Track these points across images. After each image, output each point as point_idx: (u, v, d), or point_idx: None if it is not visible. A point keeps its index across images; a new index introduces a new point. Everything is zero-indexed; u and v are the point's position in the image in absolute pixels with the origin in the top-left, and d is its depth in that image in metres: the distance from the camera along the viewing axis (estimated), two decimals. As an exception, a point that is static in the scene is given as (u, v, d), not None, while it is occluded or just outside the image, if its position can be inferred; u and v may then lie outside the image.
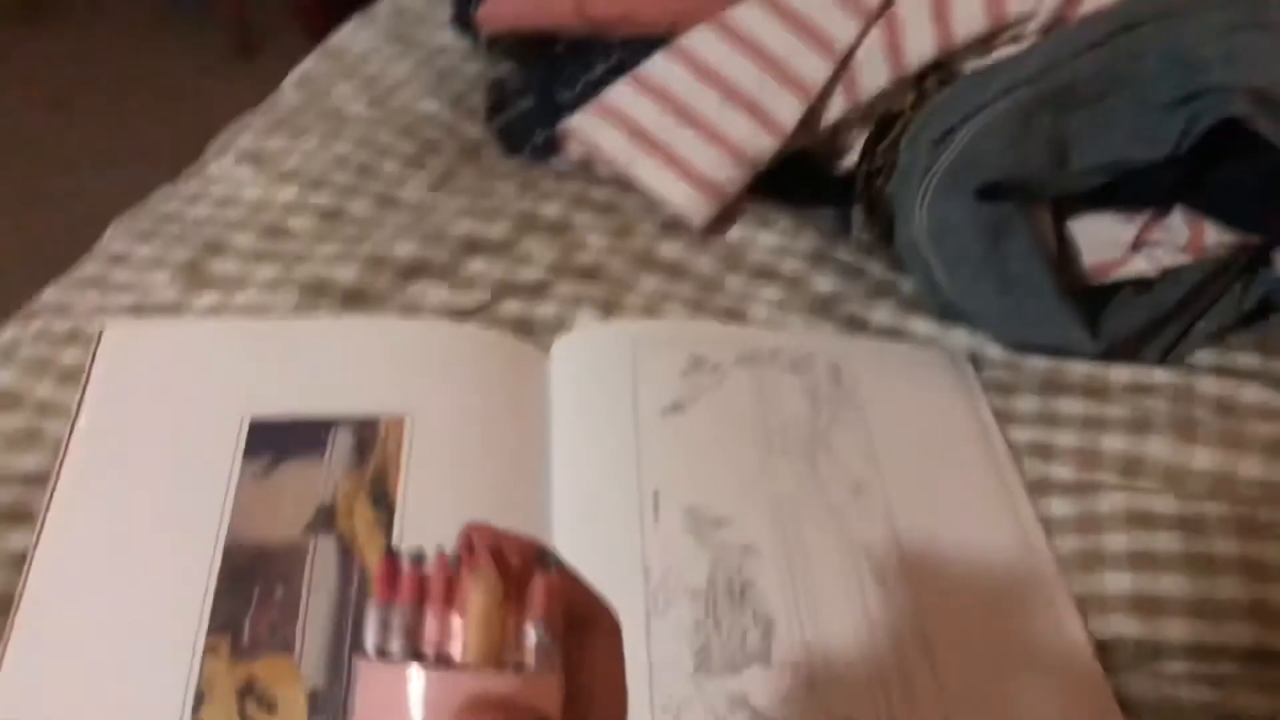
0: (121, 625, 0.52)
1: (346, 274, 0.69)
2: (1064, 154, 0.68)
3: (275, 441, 0.59)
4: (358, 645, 0.26)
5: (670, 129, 0.74)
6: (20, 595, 0.52)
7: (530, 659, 0.26)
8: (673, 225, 0.75)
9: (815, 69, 0.73)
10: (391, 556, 0.26)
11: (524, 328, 0.69)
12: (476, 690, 0.24)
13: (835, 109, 0.74)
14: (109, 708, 0.49)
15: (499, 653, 0.25)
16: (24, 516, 0.57)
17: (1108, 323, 0.68)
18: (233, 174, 0.78)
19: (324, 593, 0.54)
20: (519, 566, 0.26)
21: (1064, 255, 0.70)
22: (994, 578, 0.57)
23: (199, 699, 0.50)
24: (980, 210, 0.65)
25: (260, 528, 0.56)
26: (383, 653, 0.25)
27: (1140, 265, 0.69)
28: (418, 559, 0.26)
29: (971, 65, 0.74)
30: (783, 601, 0.55)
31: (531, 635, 0.25)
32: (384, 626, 0.25)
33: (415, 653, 0.25)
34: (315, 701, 0.50)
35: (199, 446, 0.59)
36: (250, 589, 0.54)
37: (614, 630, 0.30)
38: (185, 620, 0.52)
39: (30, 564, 0.53)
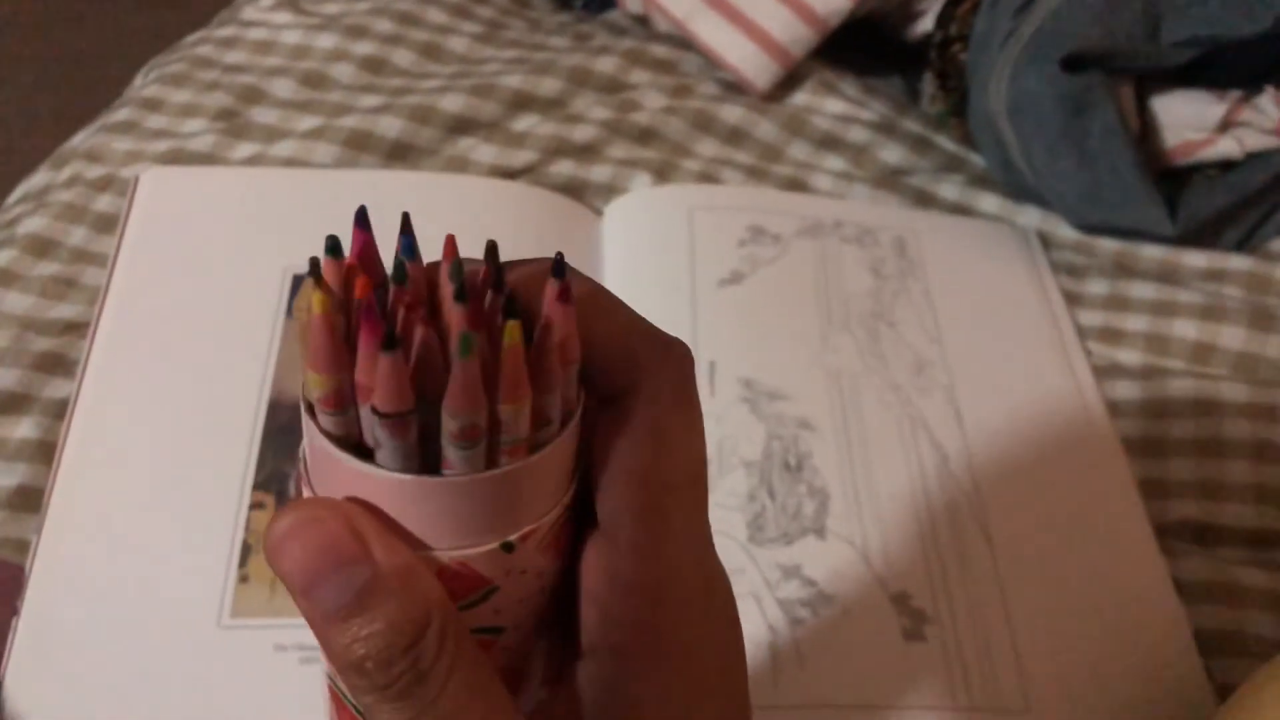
0: (165, 477, 0.51)
1: (390, 127, 0.65)
2: (1155, 26, 0.64)
3: (320, 296, 0.57)
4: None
5: (734, -17, 0.70)
6: (63, 444, 0.51)
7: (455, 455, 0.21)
8: (734, 87, 0.72)
9: (893, -78, 0.68)
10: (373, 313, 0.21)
11: (575, 190, 0.66)
12: (405, 494, 0.21)
13: (912, -33, 0.69)
14: (156, 559, 0.48)
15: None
16: (64, 364, 0.55)
17: (1186, 205, 0.65)
18: (269, 19, 0.74)
19: (371, 451, 0.53)
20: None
21: (1146, 133, 0.67)
22: (1054, 457, 0.56)
23: (245, 552, 0.49)
24: (1063, 82, 0.62)
25: (305, 383, 0.54)
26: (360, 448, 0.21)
27: (1226, 147, 0.66)
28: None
29: (1059, -75, 0.69)
30: (839, 475, 0.53)
31: (448, 424, 0.20)
32: (379, 420, 0.21)
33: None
34: (363, 559, 0.49)
35: (241, 299, 0.57)
36: (296, 445, 0.52)
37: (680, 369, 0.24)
38: (230, 474, 0.51)
39: (72, 413, 0.52)
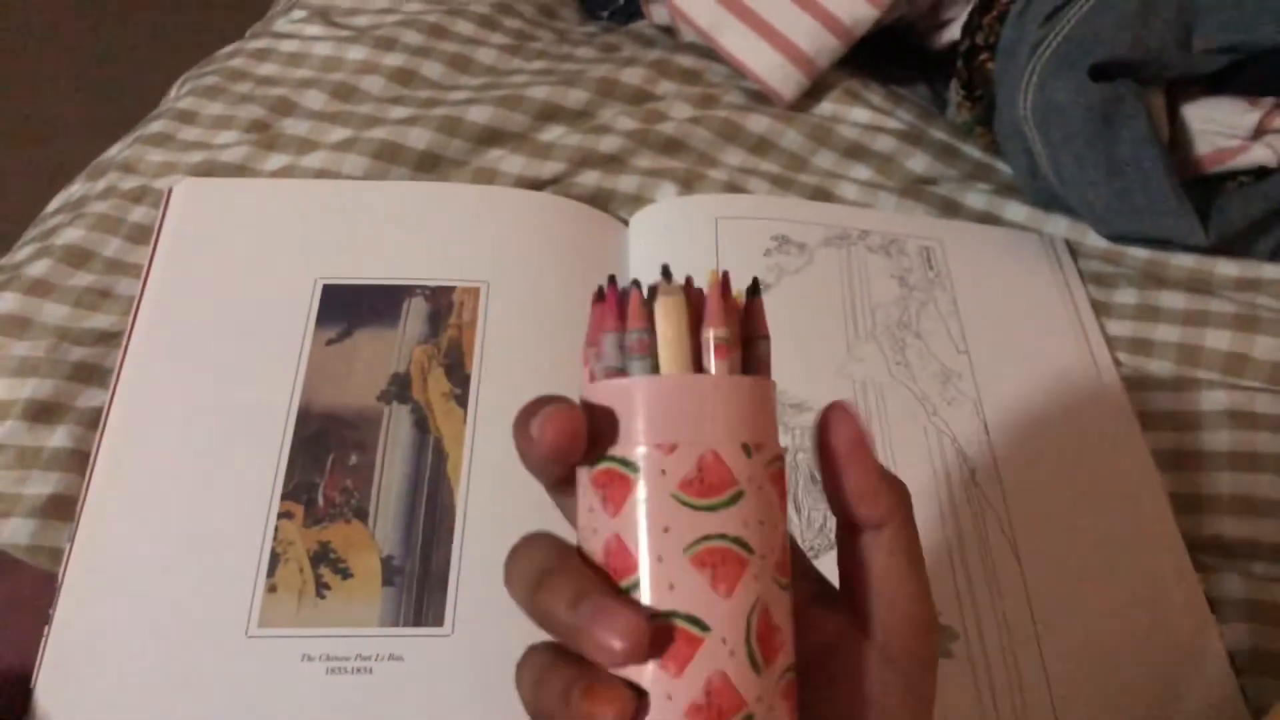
0: (196, 486, 0.51)
1: (420, 138, 0.66)
2: (1186, 33, 0.63)
3: (348, 307, 0.58)
4: (591, 374, 0.29)
5: (761, -7, 0.70)
6: (96, 453, 0.52)
7: (713, 363, 0.28)
8: (760, 97, 0.72)
9: (920, -68, 0.68)
10: (614, 289, 0.29)
11: (601, 200, 0.66)
12: (677, 388, 0.27)
13: (939, -23, 0.69)
14: (185, 568, 0.49)
15: (692, 361, 0.28)
16: (98, 374, 0.56)
17: (1219, 214, 0.64)
18: (300, 31, 0.75)
19: (398, 461, 0.53)
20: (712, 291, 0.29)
21: (1176, 141, 0.66)
22: (1084, 472, 0.55)
23: (274, 562, 0.50)
24: (1092, 90, 0.61)
25: (333, 394, 0.55)
26: (621, 370, 0.28)
27: (1259, 154, 0.65)
28: (624, 293, 0.28)
29: (1088, -68, 0.68)
30: (866, 490, 0.53)
31: (712, 337, 0.28)
32: (619, 350, 0.28)
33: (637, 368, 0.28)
34: (389, 568, 0.50)
35: (271, 309, 0.58)
36: (324, 455, 0.53)
37: None
38: (259, 483, 0.52)
39: (105, 422, 0.53)
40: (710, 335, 0.28)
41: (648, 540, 0.27)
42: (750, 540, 0.27)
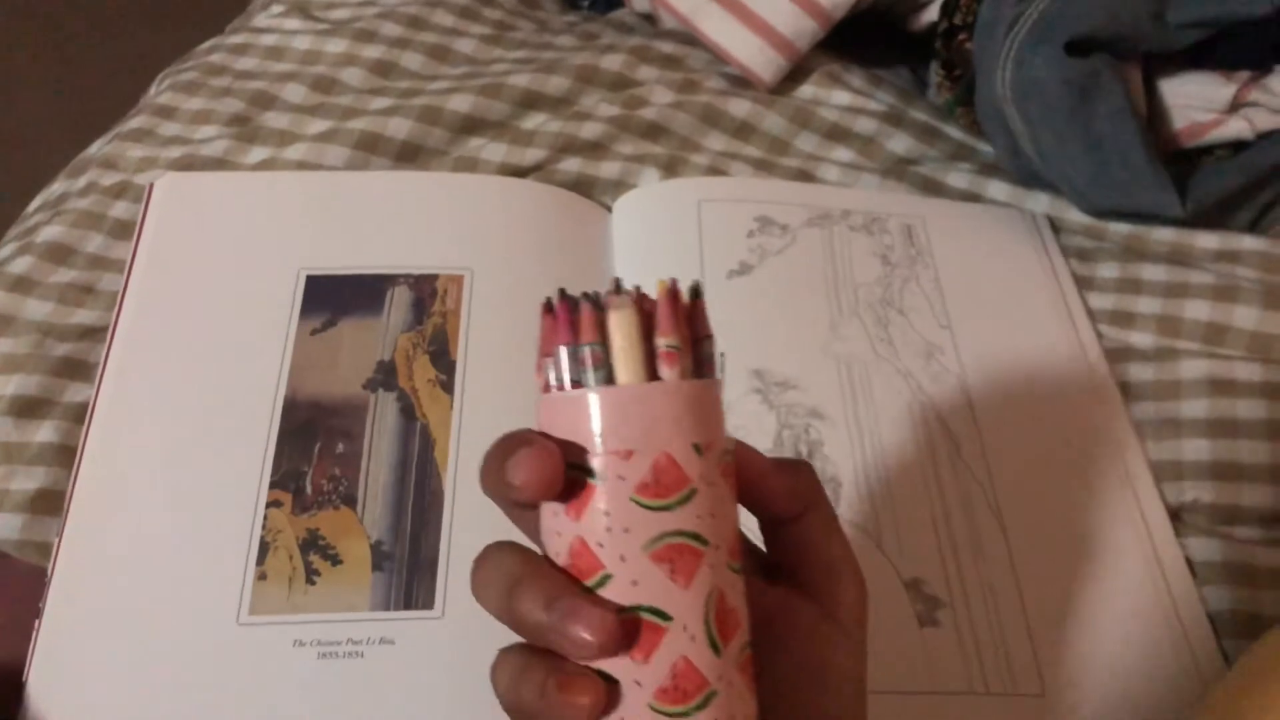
0: (184, 477, 0.52)
1: (400, 128, 0.66)
2: (1161, 7, 0.64)
3: (332, 297, 0.58)
4: (544, 385, 0.30)
5: (738, -22, 0.70)
6: (83, 447, 0.52)
7: (667, 370, 0.29)
8: (740, 81, 0.72)
9: (895, -88, 0.68)
10: (565, 303, 0.30)
11: (584, 187, 0.66)
12: (630, 397, 0.29)
13: (915, -43, 0.69)
14: (175, 559, 0.49)
15: (645, 370, 0.29)
16: (83, 369, 0.56)
17: (1197, 187, 0.64)
18: (279, 25, 0.75)
19: (386, 448, 0.53)
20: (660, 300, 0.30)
21: (1154, 116, 0.66)
22: (1067, 442, 0.55)
23: (263, 550, 0.50)
24: (1069, 66, 0.61)
25: (319, 383, 0.55)
26: (576, 383, 0.29)
27: (1236, 127, 0.66)
28: (575, 306, 0.30)
29: (1062, -90, 0.69)
30: (851, 463, 0.53)
31: (662, 345, 0.29)
32: (574, 362, 0.29)
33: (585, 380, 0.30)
34: (378, 554, 0.50)
35: (255, 301, 0.58)
36: (311, 443, 0.53)
37: None
38: (247, 472, 0.52)
39: (91, 416, 0.53)
40: (661, 344, 0.29)
41: (610, 541, 0.29)
42: (704, 533, 0.29)
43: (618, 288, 0.31)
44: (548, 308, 0.30)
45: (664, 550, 0.29)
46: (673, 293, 0.30)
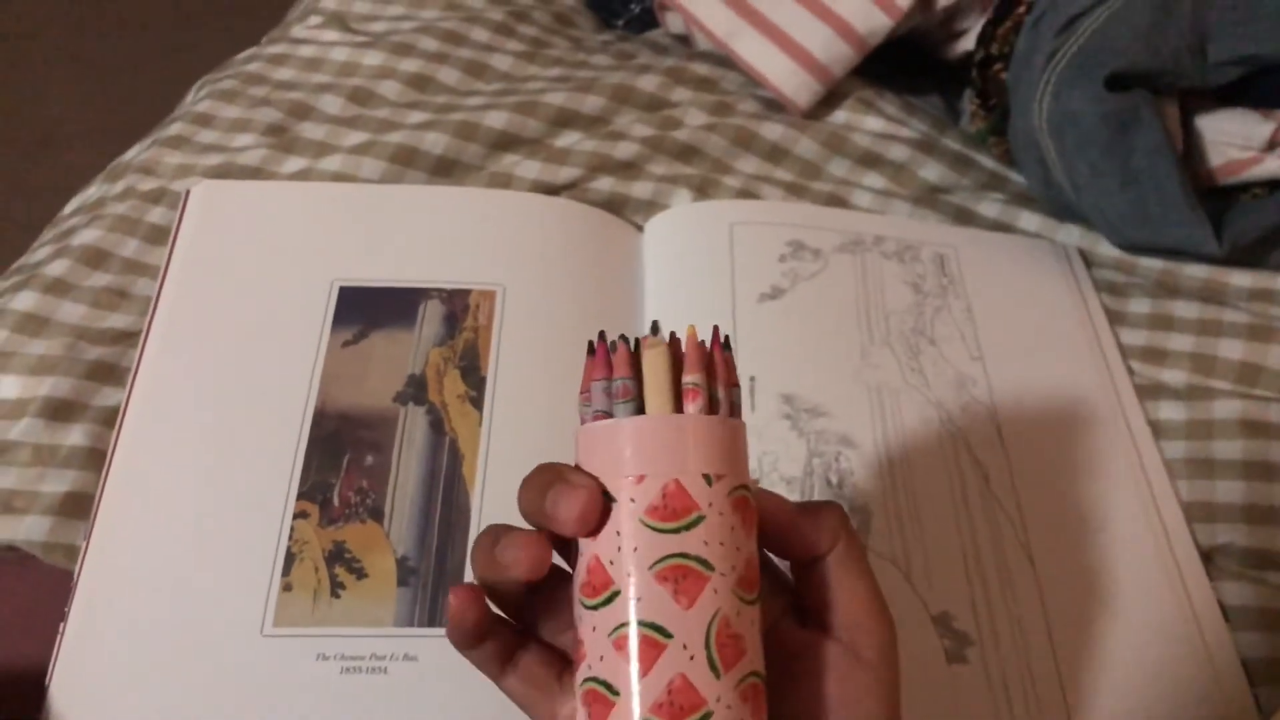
0: (212, 485, 0.52)
1: (436, 143, 0.66)
2: (1201, 44, 0.63)
3: (365, 309, 0.58)
4: (584, 418, 0.33)
5: (777, 3, 0.70)
6: (113, 452, 0.52)
7: (690, 405, 0.32)
8: (774, 105, 0.72)
9: (935, -58, 0.68)
10: (603, 343, 0.33)
11: (616, 206, 0.66)
12: (647, 426, 0.31)
13: (954, -13, 0.69)
14: (201, 567, 0.49)
15: (672, 405, 0.32)
16: (115, 373, 0.56)
17: (1232, 225, 0.64)
18: (317, 36, 0.76)
19: (414, 462, 0.53)
20: (691, 348, 0.33)
21: (1190, 152, 0.66)
22: (1098, 478, 0.55)
23: (289, 561, 0.50)
24: (1107, 100, 0.61)
25: (349, 395, 0.55)
26: (607, 414, 0.32)
27: (1273, 166, 0.65)
28: (613, 346, 0.33)
29: (1103, -56, 0.69)
30: (880, 494, 0.53)
31: (685, 382, 0.32)
32: (606, 395, 0.32)
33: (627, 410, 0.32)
34: (404, 569, 0.50)
35: (288, 310, 0.58)
36: (340, 455, 0.53)
37: None
38: (275, 481, 0.52)
39: (122, 421, 0.53)
40: (685, 381, 0.32)
41: (619, 560, 0.31)
42: (710, 559, 0.31)
43: (655, 330, 0.34)
44: (590, 350, 0.33)
45: (668, 570, 0.30)
46: (714, 338, 0.33)
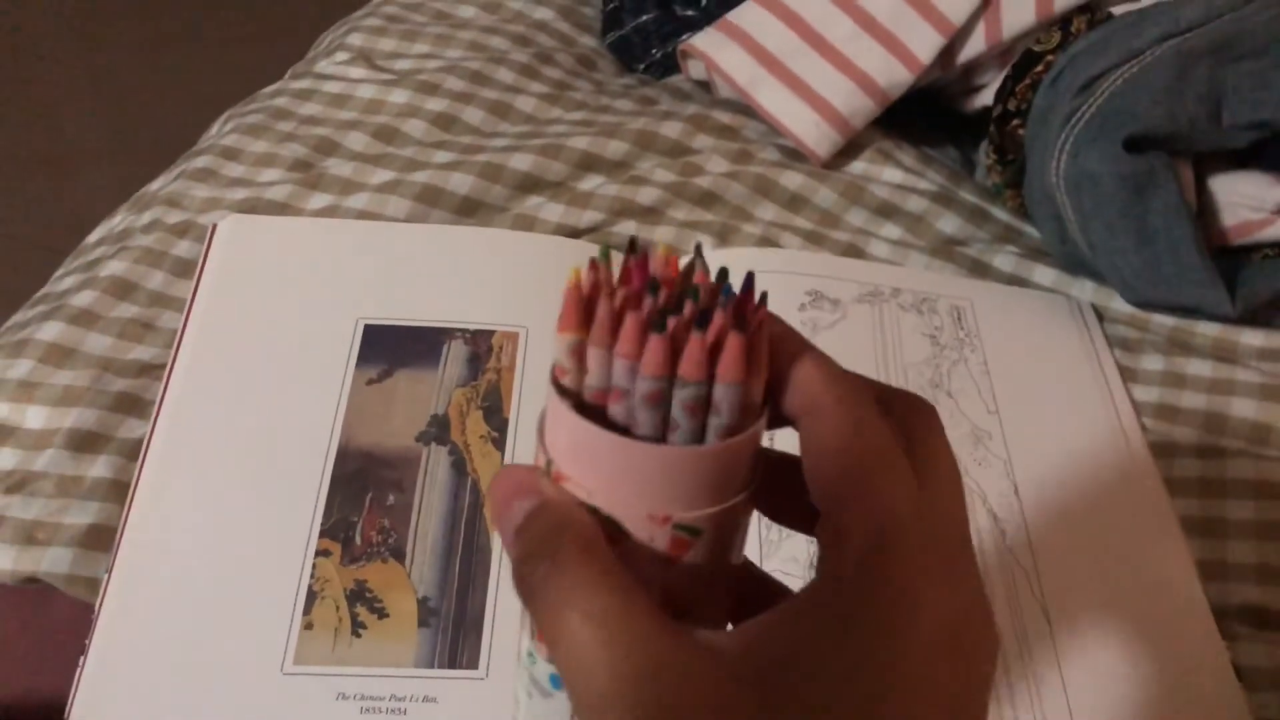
0: (234, 520, 0.52)
1: (462, 184, 0.67)
2: (1217, 108, 0.65)
3: (389, 348, 0.59)
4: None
5: (799, 54, 0.71)
6: (136, 484, 0.53)
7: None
8: (794, 154, 0.73)
9: (957, 3, 0.69)
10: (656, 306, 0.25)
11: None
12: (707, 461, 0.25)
13: (974, 46, 0.70)
14: (222, 603, 0.49)
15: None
16: (140, 405, 0.57)
17: (1244, 285, 0.65)
18: (344, 73, 0.77)
19: (436, 502, 0.54)
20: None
21: (1204, 212, 0.67)
22: (1113, 534, 0.56)
23: (310, 599, 0.50)
24: (1125, 162, 0.62)
25: (372, 433, 0.55)
26: (605, 392, 0.25)
27: (1284, 228, 0.66)
28: (663, 322, 0.25)
29: (1121, 8, 0.70)
30: (897, 547, 0.53)
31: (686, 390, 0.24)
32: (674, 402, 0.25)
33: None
34: (425, 610, 0.50)
35: (313, 347, 0.58)
36: (362, 493, 0.53)
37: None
38: (297, 519, 0.52)
39: (145, 454, 0.54)
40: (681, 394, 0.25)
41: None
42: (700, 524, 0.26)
43: (633, 246, 0.26)
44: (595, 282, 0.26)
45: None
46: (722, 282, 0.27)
